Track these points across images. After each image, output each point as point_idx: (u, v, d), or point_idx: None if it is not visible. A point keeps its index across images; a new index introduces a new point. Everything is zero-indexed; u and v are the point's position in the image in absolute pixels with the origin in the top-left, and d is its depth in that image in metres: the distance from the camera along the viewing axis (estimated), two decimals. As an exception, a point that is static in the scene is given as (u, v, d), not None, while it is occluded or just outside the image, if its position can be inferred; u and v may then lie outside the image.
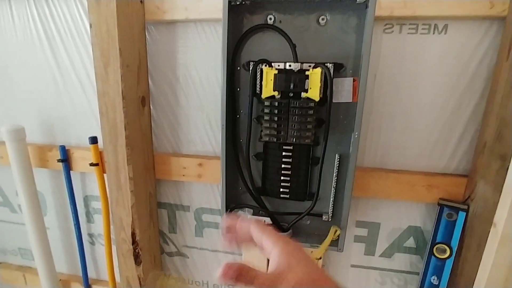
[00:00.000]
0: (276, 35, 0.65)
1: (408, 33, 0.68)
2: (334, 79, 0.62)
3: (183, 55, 0.81)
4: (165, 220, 0.97)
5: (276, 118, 0.64)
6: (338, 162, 0.68)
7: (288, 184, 0.71)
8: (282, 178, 0.71)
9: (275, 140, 0.65)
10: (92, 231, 1.04)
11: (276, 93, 0.62)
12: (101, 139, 0.80)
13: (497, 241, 0.60)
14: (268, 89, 0.62)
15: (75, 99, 0.90)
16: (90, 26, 0.70)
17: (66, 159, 0.91)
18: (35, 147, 0.94)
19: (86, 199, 1.00)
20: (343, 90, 0.65)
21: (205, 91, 0.83)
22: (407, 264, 0.84)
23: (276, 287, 0.28)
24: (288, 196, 0.72)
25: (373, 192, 0.77)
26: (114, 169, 0.79)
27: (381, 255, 0.85)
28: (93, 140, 0.85)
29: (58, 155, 0.91)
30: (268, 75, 0.62)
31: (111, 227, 0.90)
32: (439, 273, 0.76)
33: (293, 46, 0.64)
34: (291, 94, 0.62)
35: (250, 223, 0.33)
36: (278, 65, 0.62)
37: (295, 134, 0.63)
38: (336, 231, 0.70)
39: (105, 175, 0.85)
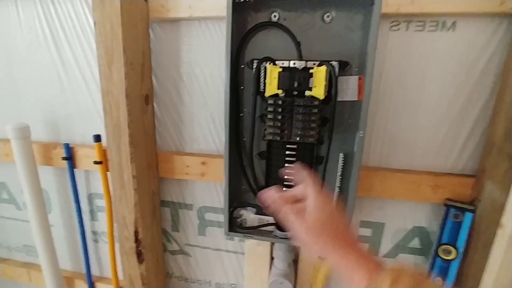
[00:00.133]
0: (281, 32, 0.64)
1: (415, 31, 0.67)
2: (339, 77, 0.61)
3: (187, 53, 0.81)
4: (168, 218, 0.97)
5: (279, 117, 0.63)
6: (342, 162, 0.67)
7: (292, 184, 0.70)
8: (285, 177, 0.70)
9: (278, 138, 0.64)
10: (96, 229, 1.04)
11: (280, 92, 0.62)
12: (105, 137, 0.80)
13: (504, 243, 0.59)
14: (272, 87, 0.62)
15: (80, 97, 0.90)
16: (94, 24, 0.70)
17: (70, 157, 0.91)
18: (40, 145, 0.94)
19: (90, 197, 1.00)
20: (348, 88, 0.64)
21: (209, 89, 0.82)
22: (412, 265, 0.83)
23: (297, 230, 0.42)
24: (291, 195, 0.71)
25: (378, 192, 0.76)
26: (118, 167, 0.79)
27: (385, 256, 0.84)
28: (97, 138, 0.85)
29: (62, 153, 0.91)
30: (272, 73, 0.61)
31: (115, 225, 0.90)
32: (444, 274, 0.74)
33: (298, 44, 0.63)
34: (295, 93, 0.62)
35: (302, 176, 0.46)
36: (282, 63, 0.62)
37: (299, 132, 0.62)
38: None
39: (108, 173, 0.86)
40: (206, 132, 0.86)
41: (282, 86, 0.61)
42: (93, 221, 1.03)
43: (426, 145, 0.74)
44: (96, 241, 1.06)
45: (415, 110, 0.72)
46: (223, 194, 0.72)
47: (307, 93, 0.61)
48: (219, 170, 0.82)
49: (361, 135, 0.62)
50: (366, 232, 0.83)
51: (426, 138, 0.73)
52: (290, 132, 0.63)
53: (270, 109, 0.63)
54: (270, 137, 0.65)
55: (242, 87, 0.69)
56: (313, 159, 0.69)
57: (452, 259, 0.73)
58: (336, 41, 0.63)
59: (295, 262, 0.85)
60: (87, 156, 0.90)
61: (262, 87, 0.64)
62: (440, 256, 0.74)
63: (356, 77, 0.63)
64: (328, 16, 0.62)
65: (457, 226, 0.71)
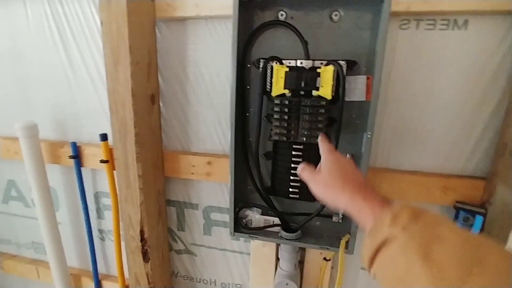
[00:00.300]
0: (288, 31, 0.63)
1: (426, 29, 0.66)
2: (347, 77, 0.60)
3: (193, 52, 0.80)
4: (174, 217, 0.97)
5: (286, 117, 0.62)
6: (349, 163, 0.66)
7: (298, 184, 0.69)
8: (291, 178, 0.69)
9: (285, 139, 0.63)
10: (102, 227, 1.05)
11: (286, 91, 0.61)
12: (112, 136, 0.80)
13: (517, 247, 0.57)
14: (278, 87, 0.61)
15: (87, 96, 0.90)
16: (101, 24, 0.70)
17: (77, 155, 0.92)
18: (48, 143, 0.95)
19: (96, 195, 1.01)
20: (356, 88, 0.63)
21: (215, 88, 0.82)
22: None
23: (309, 181, 0.49)
24: (297, 196, 0.70)
25: (386, 193, 0.74)
26: (124, 166, 0.79)
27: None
28: (104, 137, 0.85)
29: (70, 151, 0.92)
30: (279, 72, 0.60)
31: (121, 223, 0.90)
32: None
33: (305, 43, 0.62)
34: (302, 92, 0.61)
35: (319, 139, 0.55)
36: (289, 63, 0.61)
37: (305, 133, 0.61)
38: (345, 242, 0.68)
39: (115, 172, 0.86)
40: (212, 132, 0.85)
41: (289, 85, 0.60)
42: (99, 220, 1.04)
43: (436, 146, 0.72)
44: (102, 239, 1.06)
45: (424, 110, 0.71)
46: (228, 194, 0.71)
47: (314, 93, 0.60)
48: (225, 170, 0.82)
49: (369, 136, 0.61)
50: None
51: (436, 139, 0.72)
52: (296, 133, 0.63)
53: (276, 109, 0.63)
54: (276, 138, 0.64)
55: (248, 87, 0.68)
56: (320, 160, 0.68)
57: (462, 263, 0.71)
58: (344, 40, 0.62)
59: (300, 263, 0.84)
60: (94, 155, 0.91)
61: (268, 86, 0.63)
62: (449, 260, 0.72)
63: (364, 76, 0.62)
64: (336, 15, 0.61)
65: (467, 229, 0.70)
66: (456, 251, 0.29)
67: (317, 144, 0.56)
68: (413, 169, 0.75)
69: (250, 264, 0.89)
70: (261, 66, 0.62)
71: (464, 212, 0.69)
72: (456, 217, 0.70)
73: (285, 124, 0.63)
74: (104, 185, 0.96)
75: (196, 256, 1.00)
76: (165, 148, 0.90)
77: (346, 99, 0.61)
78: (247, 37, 0.65)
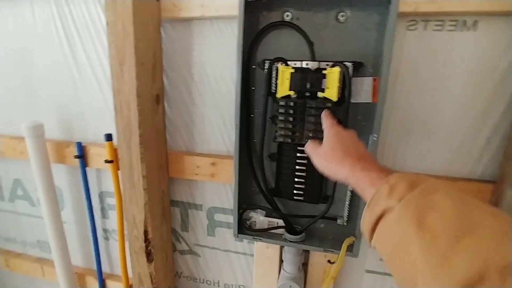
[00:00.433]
0: (293, 32, 0.63)
1: (434, 30, 0.65)
2: (353, 79, 0.59)
3: (199, 53, 0.80)
4: (178, 218, 0.97)
5: (291, 118, 0.62)
6: (355, 165, 0.66)
7: (303, 186, 0.69)
8: (296, 179, 0.69)
9: (289, 141, 0.63)
10: (107, 227, 1.05)
11: (292, 93, 0.60)
12: (116, 137, 0.81)
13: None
14: (283, 88, 0.61)
15: (92, 96, 0.91)
16: (107, 24, 0.70)
17: (82, 155, 0.92)
18: (53, 143, 0.96)
19: (101, 195, 1.02)
20: (362, 90, 0.62)
21: (220, 89, 0.81)
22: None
23: (312, 154, 0.52)
24: (302, 198, 0.70)
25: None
26: (128, 166, 0.80)
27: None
28: (108, 137, 0.86)
29: (75, 151, 0.92)
30: (284, 74, 0.60)
31: (125, 223, 0.90)
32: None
33: (311, 44, 0.62)
34: (308, 94, 0.60)
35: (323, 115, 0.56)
36: (295, 64, 0.61)
37: (310, 135, 0.61)
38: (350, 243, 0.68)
39: (119, 172, 0.86)
40: (216, 133, 0.85)
41: (294, 87, 0.60)
42: (104, 219, 1.04)
43: (443, 149, 0.71)
44: (106, 238, 1.07)
45: (432, 112, 0.69)
46: (233, 195, 0.71)
47: (320, 94, 0.59)
48: (229, 171, 0.81)
49: (375, 138, 0.60)
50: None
51: (443, 141, 0.71)
52: (301, 134, 0.62)
53: (281, 110, 0.62)
54: (281, 139, 0.64)
55: (253, 88, 0.68)
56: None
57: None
58: (351, 41, 0.62)
59: (304, 265, 0.84)
60: (98, 155, 0.91)
61: (273, 88, 0.62)
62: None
63: (371, 78, 0.61)
64: (342, 16, 0.61)
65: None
66: (449, 217, 0.30)
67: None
68: (420, 172, 0.74)
69: (254, 265, 0.89)
70: (266, 67, 0.62)
71: (472, 216, 0.68)
72: (463, 221, 0.69)
73: (290, 126, 0.62)
74: (109, 185, 0.97)
75: (200, 256, 1.00)
76: (170, 149, 0.90)
77: (352, 101, 0.61)
78: (252, 38, 0.65)
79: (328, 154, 0.48)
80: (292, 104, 0.61)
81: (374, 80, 0.61)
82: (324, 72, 0.58)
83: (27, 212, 1.14)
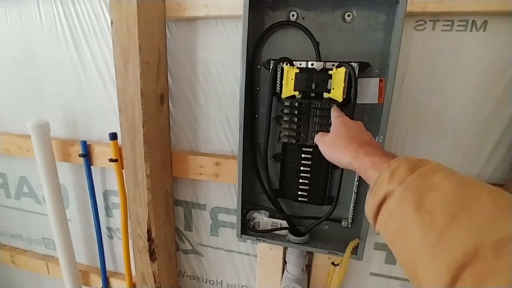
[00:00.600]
0: (299, 32, 0.62)
1: (442, 30, 0.64)
2: (359, 79, 0.58)
3: (203, 53, 0.80)
4: (181, 217, 0.97)
5: (296, 119, 0.61)
6: (360, 167, 0.65)
7: (307, 187, 0.68)
8: (300, 180, 0.68)
9: (294, 141, 0.63)
10: (111, 225, 1.06)
11: (296, 93, 0.60)
12: (120, 136, 0.81)
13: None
14: (288, 89, 0.60)
15: (97, 95, 0.91)
16: (111, 23, 0.70)
17: (87, 154, 0.93)
18: (59, 141, 0.96)
19: (105, 194, 1.02)
20: (369, 91, 0.61)
21: (224, 89, 0.81)
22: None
23: (319, 143, 0.53)
24: (306, 199, 0.69)
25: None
26: (132, 166, 0.80)
27: (403, 265, 0.81)
28: (113, 136, 0.86)
29: (80, 149, 0.92)
30: (289, 74, 0.59)
31: (129, 222, 0.90)
32: None
33: (316, 44, 0.61)
34: (313, 94, 0.60)
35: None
36: (300, 64, 0.60)
37: (315, 136, 0.60)
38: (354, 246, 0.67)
39: (123, 171, 0.86)
40: (220, 133, 0.85)
41: (299, 87, 0.59)
42: (108, 218, 1.05)
43: (451, 151, 0.70)
44: (111, 237, 1.07)
45: (439, 114, 0.68)
46: (236, 195, 0.71)
47: (325, 95, 0.59)
48: (233, 171, 0.81)
49: (381, 139, 0.59)
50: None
51: (451, 143, 0.70)
52: (306, 135, 0.62)
53: (286, 111, 0.62)
54: (285, 140, 0.63)
55: (258, 88, 0.68)
56: (329, 163, 0.66)
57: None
58: (357, 41, 0.61)
59: (308, 267, 0.83)
60: (103, 154, 0.91)
61: (278, 88, 0.62)
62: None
63: (377, 79, 0.60)
64: (349, 16, 0.60)
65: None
66: (447, 197, 0.30)
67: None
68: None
69: (257, 266, 0.88)
70: (271, 67, 0.61)
71: (479, 219, 0.67)
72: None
73: (295, 127, 0.62)
74: (113, 183, 0.97)
75: (203, 256, 1.00)
76: (174, 148, 0.90)
77: (358, 101, 0.60)
78: (257, 38, 0.64)
79: (334, 141, 0.49)
80: (297, 104, 0.61)
81: (381, 81, 0.60)
82: (329, 72, 0.58)
83: (32, 210, 1.15)
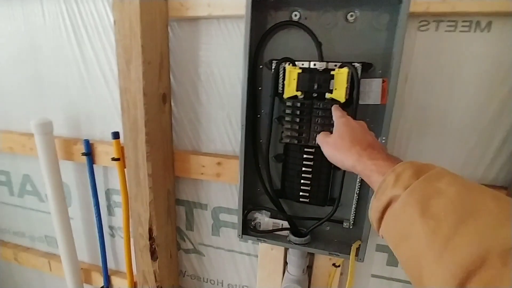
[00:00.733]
0: (301, 32, 0.62)
1: (446, 31, 0.63)
2: (362, 80, 0.58)
3: (205, 52, 0.80)
4: (183, 217, 0.98)
5: (298, 119, 0.61)
6: (362, 168, 0.64)
7: (308, 188, 0.68)
8: (302, 181, 0.68)
9: (296, 142, 0.62)
10: (113, 224, 1.06)
11: (299, 93, 0.60)
12: (123, 135, 0.81)
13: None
14: (290, 89, 0.60)
15: (100, 94, 0.91)
16: (114, 23, 0.70)
17: (89, 152, 0.93)
18: (62, 140, 0.97)
19: (107, 192, 1.02)
20: (371, 92, 0.61)
21: (226, 89, 0.81)
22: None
23: (321, 144, 0.52)
24: (307, 200, 0.69)
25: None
26: (134, 165, 0.80)
27: (405, 267, 0.80)
28: (115, 135, 0.86)
29: (82, 148, 0.93)
30: (291, 74, 0.59)
31: (130, 221, 0.91)
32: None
33: (319, 44, 0.61)
34: (315, 95, 0.59)
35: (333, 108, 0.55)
36: (302, 64, 0.60)
37: (317, 136, 0.60)
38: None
39: (126, 170, 0.86)
40: (222, 133, 0.85)
41: (301, 87, 0.59)
42: (110, 216, 1.05)
43: (454, 153, 0.69)
44: (112, 235, 1.08)
45: (442, 115, 0.68)
46: (238, 195, 0.71)
47: (328, 95, 0.58)
48: (235, 171, 0.81)
49: (384, 140, 0.59)
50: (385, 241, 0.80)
51: (454, 145, 0.69)
52: (308, 136, 0.61)
53: (288, 111, 0.62)
54: (287, 140, 0.63)
55: (260, 88, 0.67)
56: (331, 164, 0.66)
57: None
58: (360, 41, 0.60)
59: (309, 268, 0.83)
60: (106, 153, 0.92)
61: (280, 88, 0.62)
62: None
63: (380, 79, 0.60)
64: (352, 16, 0.60)
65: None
66: (452, 202, 0.30)
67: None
68: (429, 175, 0.72)
69: (258, 266, 0.88)
70: (273, 67, 0.61)
71: (482, 222, 0.66)
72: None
73: (297, 127, 0.61)
74: (115, 182, 0.98)
75: (204, 256, 1.00)
76: (176, 148, 0.90)
77: (361, 102, 0.59)
78: (259, 38, 0.64)
79: (337, 142, 0.48)
80: (299, 105, 0.60)
81: (384, 81, 0.59)
82: (332, 73, 0.57)
83: (35, 208, 1.16)
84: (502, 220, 0.27)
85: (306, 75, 0.58)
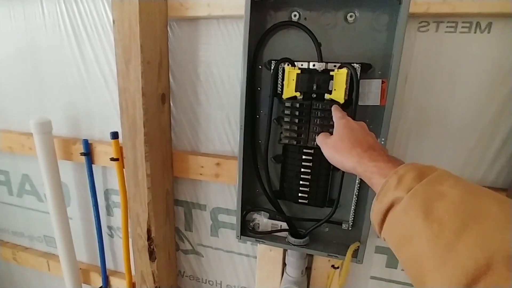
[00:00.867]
0: (301, 33, 0.62)
1: (446, 32, 0.63)
2: (361, 81, 0.58)
3: (205, 53, 0.80)
4: (182, 217, 0.97)
5: (296, 120, 0.61)
6: (361, 169, 0.64)
7: (307, 189, 0.68)
8: (301, 182, 0.67)
9: (294, 143, 0.62)
10: (112, 224, 1.06)
11: (298, 94, 0.59)
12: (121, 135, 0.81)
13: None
14: (289, 90, 0.60)
15: (99, 94, 0.91)
16: (113, 23, 0.70)
17: (88, 152, 0.93)
18: (60, 140, 0.96)
19: (106, 193, 1.02)
20: (370, 92, 0.60)
21: (225, 89, 0.81)
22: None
23: (321, 145, 0.52)
24: (306, 201, 0.69)
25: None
26: (133, 165, 0.80)
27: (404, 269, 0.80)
28: (114, 135, 0.86)
29: (81, 148, 0.93)
30: (290, 74, 0.59)
31: (129, 222, 0.90)
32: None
33: (318, 45, 0.60)
34: (314, 95, 0.59)
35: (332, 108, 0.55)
36: (301, 65, 0.59)
37: (316, 137, 0.60)
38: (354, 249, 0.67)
39: (124, 170, 0.86)
40: (221, 133, 0.85)
41: (300, 88, 0.59)
42: (109, 216, 1.05)
43: (454, 155, 0.69)
44: (111, 236, 1.07)
45: (442, 117, 0.68)
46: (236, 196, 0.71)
47: (327, 96, 0.58)
48: (234, 172, 0.81)
49: (383, 142, 0.59)
50: (385, 242, 0.79)
51: (453, 146, 0.69)
52: (307, 137, 0.61)
53: (287, 112, 0.61)
54: (286, 141, 0.63)
55: (259, 88, 0.67)
56: (330, 165, 0.66)
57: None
58: (359, 42, 0.60)
59: (308, 269, 0.83)
60: (104, 153, 0.92)
61: (279, 89, 0.62)
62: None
63: (379, 80, 0.59)
64: (351, 16, 0.59)
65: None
66: (455, 206, 0.29)
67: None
68: (428, 177, 0.72)
69: (256, 267, 0.88)
70: (272, 67, 0.61)
71: (482, 224, 0.66)
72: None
73: (296, 128, 0.61)
74: (114, 182, 0.97)
75: (203, 257, 0.99)
76: (175, 148, 0.89)
77: (360, 103, 0.59)
78: (258, 38, 0.64)
79: (337, 144, 0.48)
80: (298, 105, 0.60)
81: (383, 82, 0.59)
82: (331, 73, 0.57)
83: (34, 207, 1.16)
84: (506, 224, 0.26)
85: (305, 76, 0.58)
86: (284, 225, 0.72)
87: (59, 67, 0.93)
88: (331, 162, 0.49)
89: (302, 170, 0.67)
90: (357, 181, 0.66)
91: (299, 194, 0.68)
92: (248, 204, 0.74)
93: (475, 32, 0.62)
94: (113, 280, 1.09)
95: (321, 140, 0.52)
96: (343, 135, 0.48)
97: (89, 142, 0.93)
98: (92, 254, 1.13)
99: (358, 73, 0.57)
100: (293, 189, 0.69)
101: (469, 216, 0.28)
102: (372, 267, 0.83)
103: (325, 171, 0.66)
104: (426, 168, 0.35)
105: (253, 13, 0.59)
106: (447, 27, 0.63)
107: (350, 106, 0.58)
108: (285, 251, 0.82)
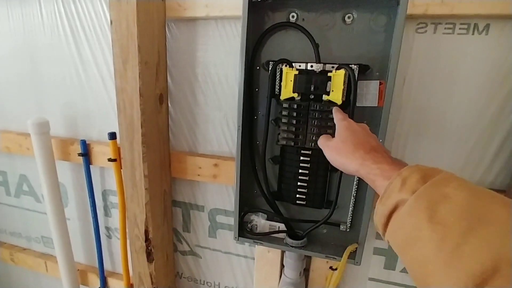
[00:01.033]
0: (299, 34, 0.61)
1: (444, 33, 0.63)
2: (359, 82, 0.58)
3: (203, 53, 0.80)
4: (179, 218, 0.97)
5: (294, 121, 0.61)
6: (359, 170, 0.64)
7: (305, 190, 0.68)
8: (299, 183, 0.67)
9: (292, 144, 0.62)
10: (109, 225, 1.05)
11: (295, 95, 0.59)
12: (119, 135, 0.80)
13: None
14: (287, 91, 0.60)
15: (97, 94, 0.91)
16: (111, 23, 0.70)
17: (86, 153, 0.93)
18: (58, 140, 0.96)
19: (104, 193, 1.02)
20: (368, 94, 0.60)
21: (223, 90, 0.81)
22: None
23: (323, 147, 0.51)
24: (304, 202, 0.68)
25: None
26: (130, 166, 0.79)
27: (402, 271, 0.80)
28: (112, 135, 0.86)
29: (79, 149, 0.92)
30: (288, 75, 0.59)
31: (126, 222, 0.90)
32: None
33: (316, 46, 0.60)
34: (312, 97, 0.59)
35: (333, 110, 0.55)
36: (299, 66, 0.59)
37: (314, 138, 0.60)
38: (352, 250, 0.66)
39: (122, 171, 0.86)
40: (219, 134, 0.84)
41: (298, 89, 0.59)
42: (106, 217, 1.05)
43: (452, 156, 0.69)
44: (109, 236, 1.07)
45: (441, 118, 0.67)
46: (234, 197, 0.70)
47: (325, 97, 0.58)
48: (231, 173, 0.81)
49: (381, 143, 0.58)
50: (383, 244, 0.80)
51: (452, 148, 0.69)
52: (304, 138, 0.61)
53: (284, 113, 0.61)
54: (284, 142, 0.62)
55: (257, 89, 0.67)
56: (328, 166, 0.66)
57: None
58: (357, 43, 0.60)
59: (306, 271, 0.82)
60: (102, 153, 0.91)
61: (277, 89, 0.61)
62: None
63: (377, 81, 0.59)
64: (349, 17, 0.59)
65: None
66: (460, 208, 0.29)
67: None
68: (427, 178, 0.71)
69: (254, 269, 0.88)
70: (270, 68, 0.61)
71: (480, 226, 0.66)
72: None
73: (293, 129, 0.61)
74: (112, 183, 0.97)
75: (201, 258, 0.99)
76: (173, 149, 0.89)
77: (358, 104, 0.59)
78: (256, 39, 0.64)
79: (339, 146, 0.47)
80: (295, 106, 0.60)
81: (381, 83, 0.59)
82: (329, 74, 0.57)
83: (32, 208, 1.16)
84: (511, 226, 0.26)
85: (303, 77, 0.58)
86: (282, 226, 0.72)
87: (57, 67, 0.92)
88: (333, 165, 0.49)
89: (300, 171, 0.66)
90: (355, 183, 0.65)
91: (297, 195, 0.68)
92: (246, 205, 0.73)
93: (473, 34, 0.62)
94: (111, 281, 1.08)
95: (323, 143, 0.52)
96: (345, 137, 0.48)
97: (87, 142, 0.92)
98: (90, 255, 1.12)
99: (356, 74, 0.57)
100: (291, 190, 0.69)
101: (474, 218, 0.28)
102: (370, 269, 0.82)
103: (323, 172, 0.66)
104: (430, 170, 0.34)
105: (251, 14, 0.59)
106: (445, 28, 0.63)
107: (348, 107, 0.58)
108: (283, 252, 0.81)
